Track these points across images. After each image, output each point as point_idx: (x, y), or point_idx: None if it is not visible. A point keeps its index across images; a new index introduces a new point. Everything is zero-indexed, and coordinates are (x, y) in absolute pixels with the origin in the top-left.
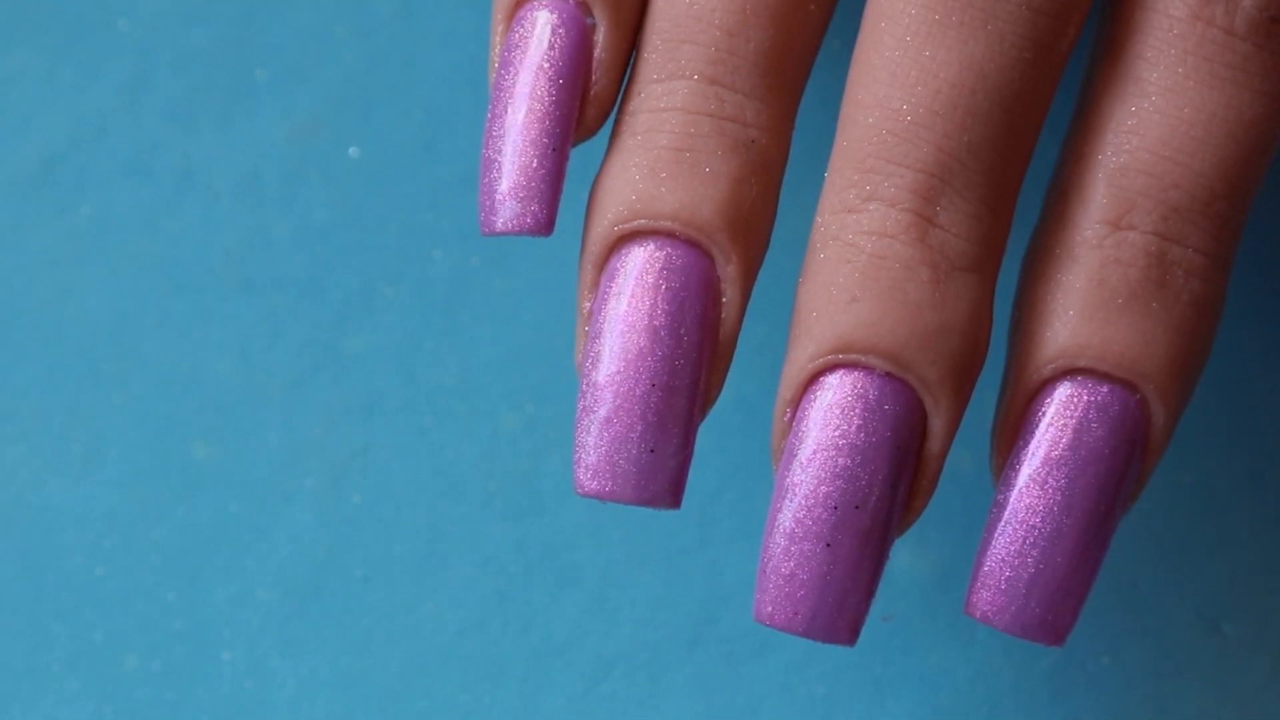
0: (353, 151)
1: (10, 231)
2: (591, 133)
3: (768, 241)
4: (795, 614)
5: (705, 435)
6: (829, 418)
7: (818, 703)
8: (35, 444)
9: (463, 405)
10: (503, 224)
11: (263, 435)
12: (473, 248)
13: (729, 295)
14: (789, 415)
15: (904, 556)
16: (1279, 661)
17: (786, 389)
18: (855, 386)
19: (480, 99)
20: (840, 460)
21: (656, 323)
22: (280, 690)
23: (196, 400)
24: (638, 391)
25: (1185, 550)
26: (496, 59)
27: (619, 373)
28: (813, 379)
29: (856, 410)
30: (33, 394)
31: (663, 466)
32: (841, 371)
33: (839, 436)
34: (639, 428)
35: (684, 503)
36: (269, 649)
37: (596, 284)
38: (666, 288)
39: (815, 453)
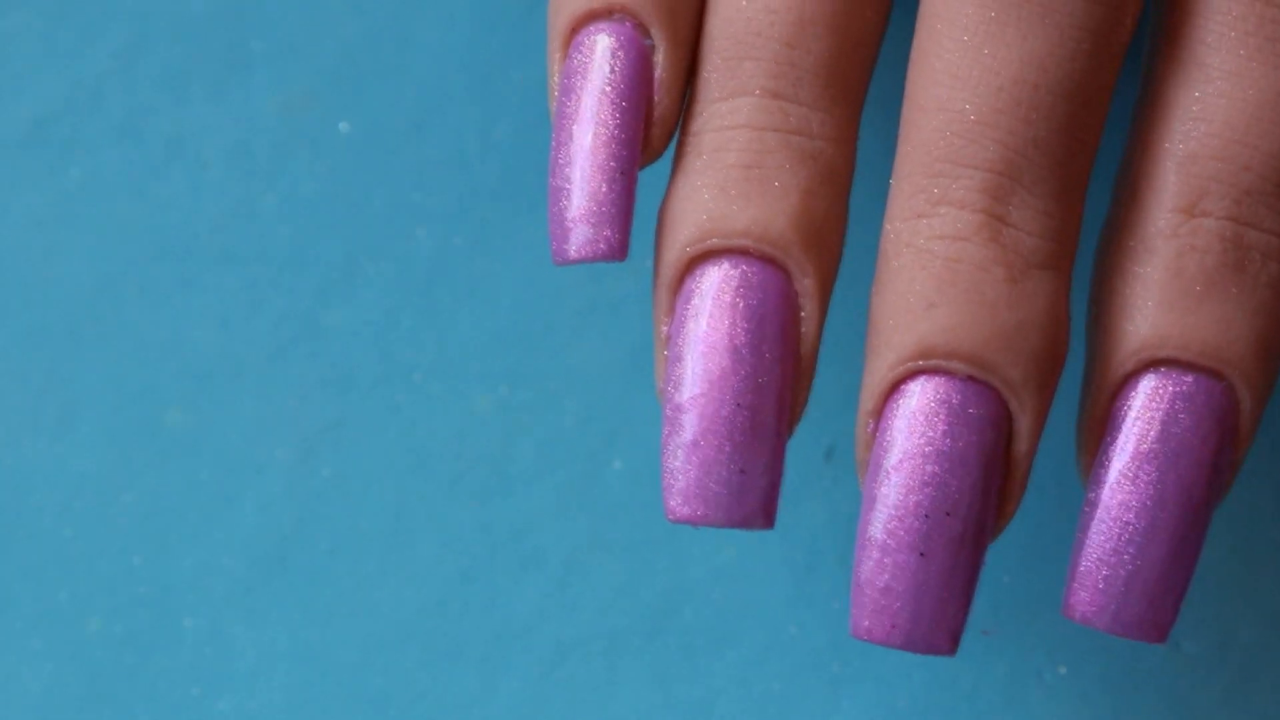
0: (343, 127)
1: None
2: (658, 155)
3: (841, 252)
4: (893, 626)
5: None
6: (914, 425)
7: (773, 699)
8: (11, 404)
9: (437, 384)
10: (576, 252)
11: (237, 404)
12: (455, 228)
13: (807, 309)
14: (872, 426)
15: None
16: (1237, 681)
17: (868, 399)
18: (939, 392)
19: (472, 80)
20: (928, 468)
21: (737, 342)
22: (240, 659)
23: (174, 367)
24: (723, 413)
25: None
26: (557, 86)
27: (703, 395)
28: (894, 388)
29: (941, 416)
30: (11, 354)
31: (753, 486)
32: (924, 378)
33: (925, 444)
34: (727, 449)
35: (651, 493)
36: (231, 618)
37: (673, 307)
38: (745, 306)
39: (902, 461)
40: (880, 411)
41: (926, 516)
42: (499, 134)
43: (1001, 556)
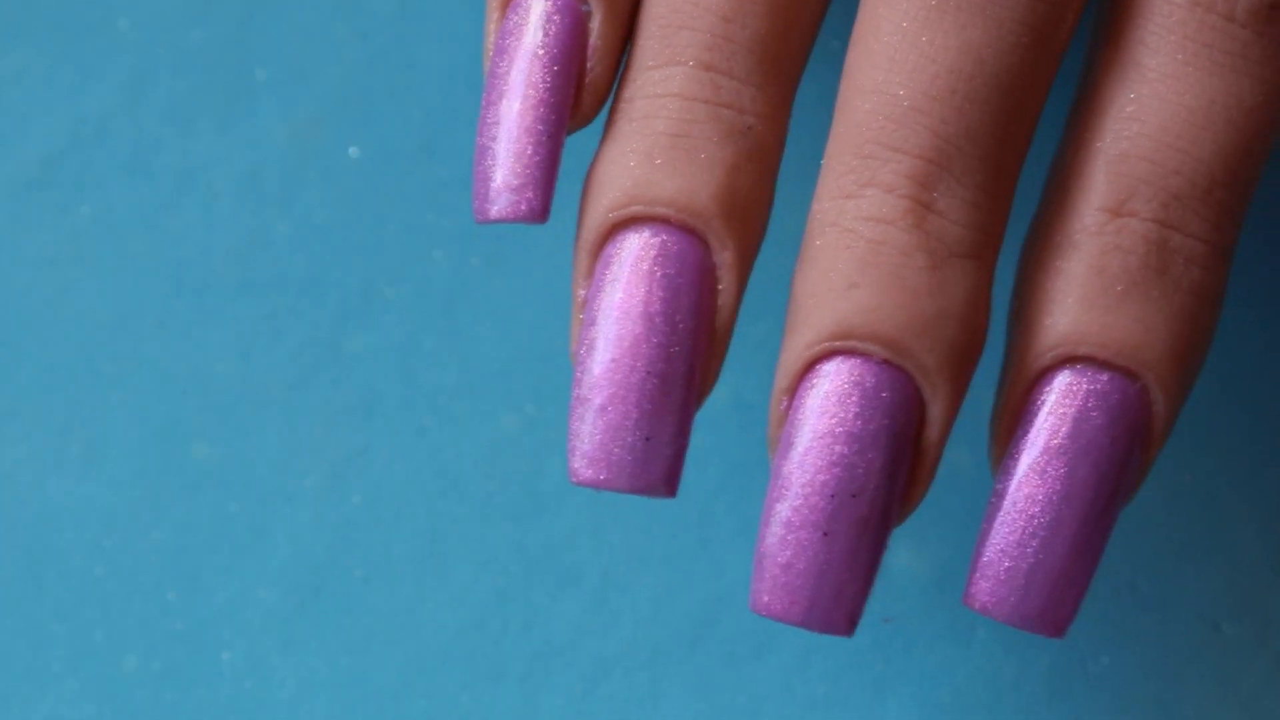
0: (353, 151)
1: (10, 231)
2: (587, 120)
3: (764, 229)
4: (792, 603)
5: (705, 434)
6: (826, 405)
7: (818, 703)
8: (35, 444)
9: (463, 405)
10: (497, 211)
11: (263, 435)
12: (473, 248)
13: (725, 282)
14: (785, 404)
15: (903, 555)
16: (1279, 662)
17: (783, 377)
18: (853, 374)
19: (479, 100)
20: (837, 448)
21: (652, 309)
22: (280, 690)
23: (196, 400)
24: (633, 379)
25: (1185, 550)
26: (491, 46)
27: (614, 360)
28: (810, 367)
29: (854, 398)
30: (33, 394)
31: (659, 455)
32: (839, 359)
33: (836, 424)
34: (634, 415)
35: (684, 502)
36: (269, 649)
37: (591, 271)
38: (662, 274)
39: (812, 441)
40: (794, 389)
41: (832, 496)
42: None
43: None
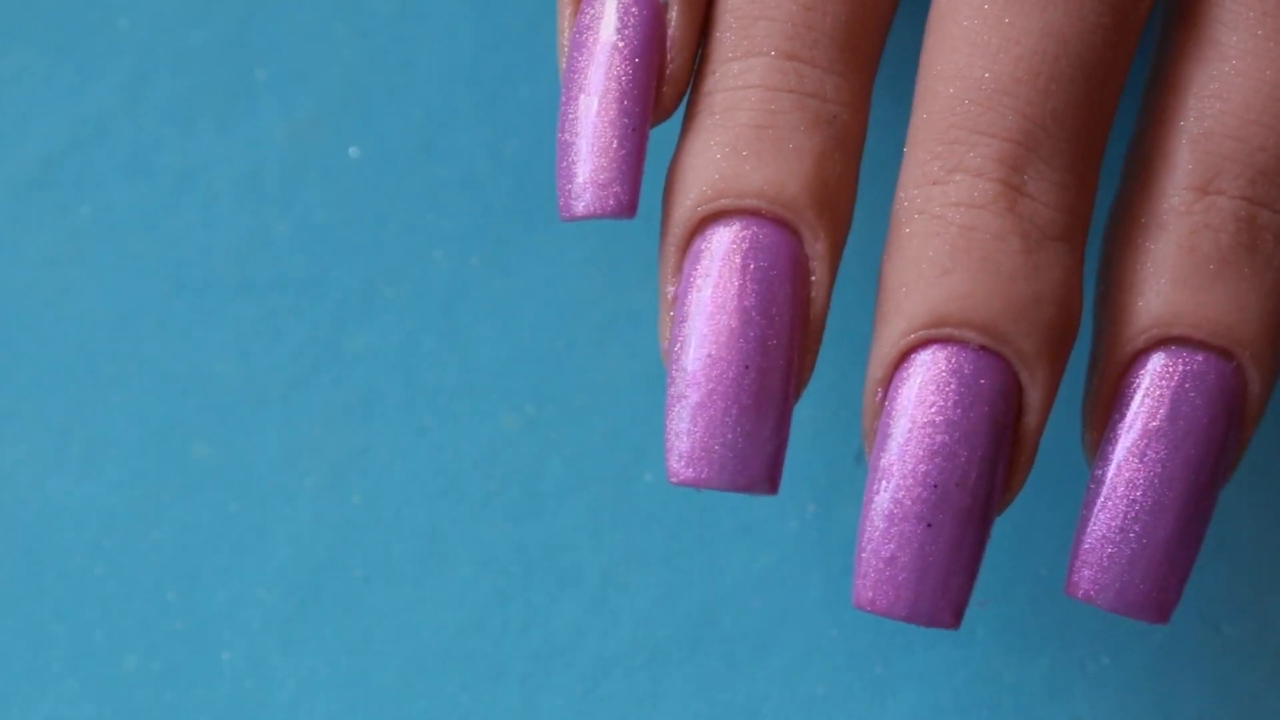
0: (353, 151)
1: (10, 231)
2: (668, 114)
3: (851, 218)
4: (897, 598)
5: None
6: (924, 394)
7: (818, 702)
8: (35, 444)
9: (463, 405)
10: (584, 207)
11: (263, 435)
12: (473, 248)
13: (818, 274)
14: (880, 395)
15: None
16: (1278, 664)
17: (877, 367)
18: (950, 362)
19: (480, 99)
20: (938, 438)
21: (747, 303)
22: (280, 690)
23: (196, 400)
24: (730, 374)
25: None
26: (567, 41)
27: (710, 356)
28: (904, 356)
29: (953, 386)
30: (33, 394)
31: (759, 450)
32: (935, 347)
33: (936, 413)
34: (734, 411)
35: (684, 503)
36: (269, 649)
37: (680, 267)
38: (755, 267)
39: (912, 431)
40: (889, 380)
41: (935, 487)
42: (509, 152)
43: (1039, 549)
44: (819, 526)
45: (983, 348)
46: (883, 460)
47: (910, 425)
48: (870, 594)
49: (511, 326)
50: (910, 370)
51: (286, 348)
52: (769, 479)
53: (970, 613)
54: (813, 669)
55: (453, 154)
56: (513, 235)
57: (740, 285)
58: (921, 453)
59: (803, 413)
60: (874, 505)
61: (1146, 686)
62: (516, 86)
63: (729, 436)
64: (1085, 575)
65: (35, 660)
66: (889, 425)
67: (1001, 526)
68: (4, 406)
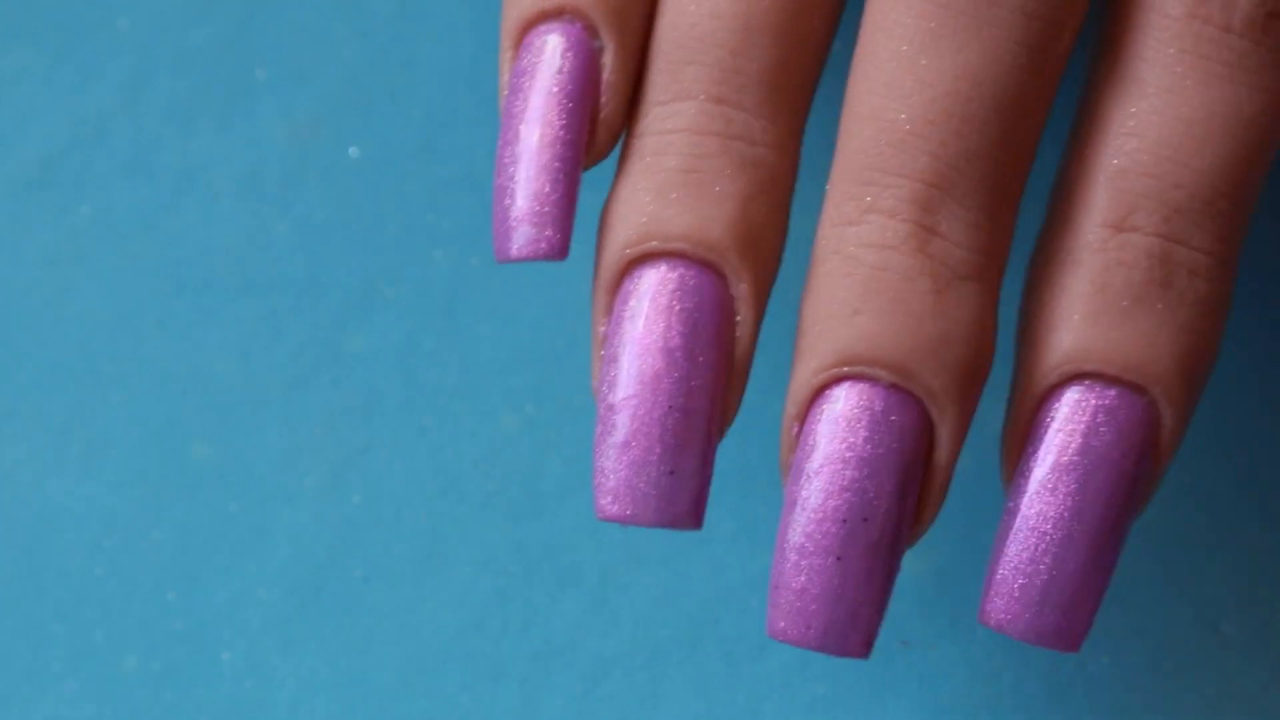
0: (353, 151)
1: (10, 231)
2: (602, 156)
3: (779, 259)
4: (808, 628)
5: None
6: (835, 430)
7: (818, 702)
8: (35, 444)
9: (463, 405)
10: (518, 250)
11: (263, 435)
12: (473, 248)
13: (742, 314)
14: (796, 430)
15: (905, 557)
16: (1279, 663)
17: (793, 404)
18: (861, 399)
19: (480, 99)
20: (848, 473)
21: (672, 344)
22: (280, 690)
23: (197, 400)
24: (655, 414)
25: (1185, 550)
26: (506, 85)
27: (635, 396)
28: (818, 393)
29: (863, 422)
30: (33, 394)
31: (683, 488)
32: (847, 384)
33: (846, 449)
34: (658, 450)
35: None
36: (269, 649)
37: (610, 308)
38: (680, 309)
39: (823, 466)
40: (804, 416)
41: (844, 521)
42: None
43: None
44: None
45: (893, 385)
46: (796, 494)
47: (822, 460)
48: (782, 624)
49: (511, 326)
50: (823, 406)
51: (286, 348)
52: (693, 515)
53: (973, 615)
54: (812, 669)
55: (453, 154)
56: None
57: (665, 326)
58: (832, 488)
59: None
60: (787, 538)
61: (1146, 687)
62: None
63: (653, 475)
64: (997, 605)
65: (35, 660)
66: (802, 460)
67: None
68: (4, 406)
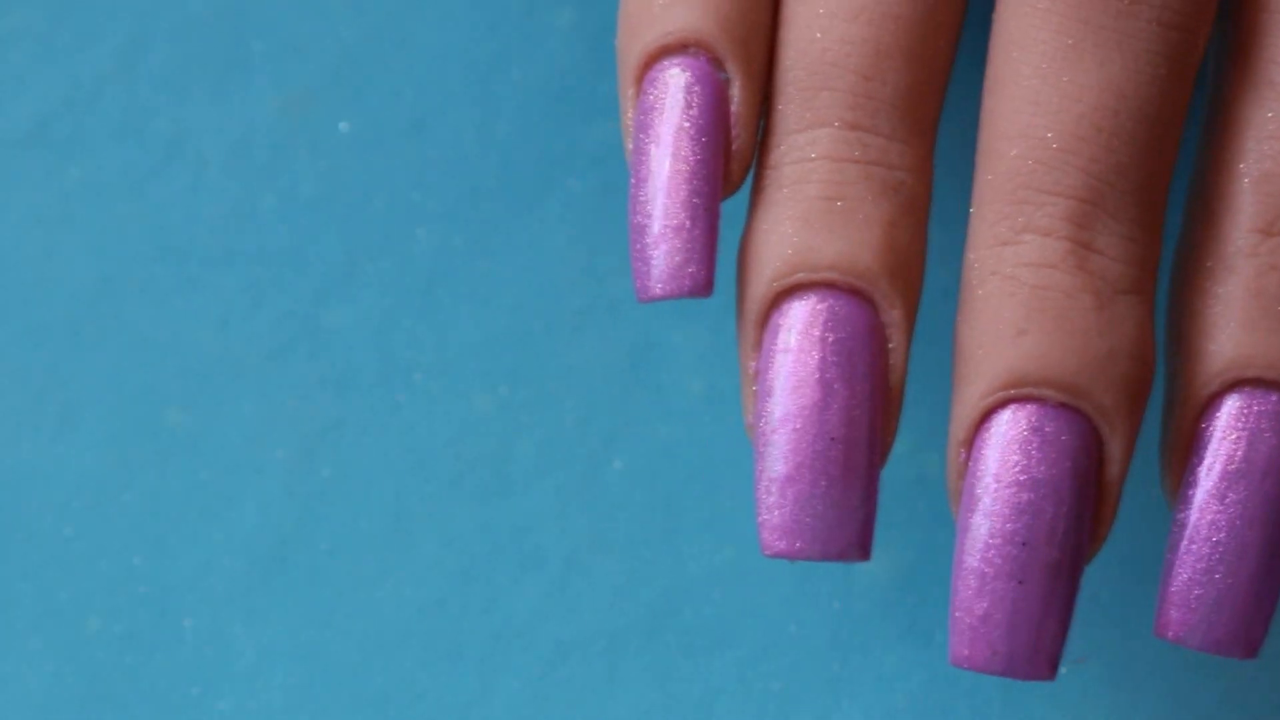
0: (343, 126)
1: None
2: (735, 188)
3: (922, 284)
4: (994, 654)
5: (675, 426)
6: (1008, 454)
7: (773, 698)
8: (11, 403)
9: (437, 384)
10: (662, 289)
11: (237, 405)
12: (455, 228)
13: (895, 341)
14: (964, 455)
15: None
16: (1237, 680)
17: (960, 428)
18: (1031, 420)
19: (472, 80)
20: (1024, 495)
21: (828, 375)
22: (239, 659)
23: (173, 367)
24: (817, 447)
25: (1147, 564)
26: (632, 123)
27: (796, 430)
28: (985, 416)
29: (1035, 444)
30: (10, 354)
31: (849, 520)
32: (1015, 406)
33: (1019, 472)
34: (822, 483)
35: (650, 493)
36: (231, 617)
37: (759, 343)
38: (834, 339)
39: (998, 490)
40: (972, 441)
41: (1023, 544)
42: (499, 133)
43: None
44: None
45: (1062, 405)
46: (971, 520)
47: (996, 485)
48: (967, 651)
49: (490, 308)
50: (992, 430)
51: (265, 319)
52: (860, 546)
53: (932, 617)
54: (769, 664)
55: (442, 133)
56: (497, 217)
57: (821, 358)
58: (1009, 511)
59: None
60: (965, 565)
61: (1103, 698)
62: (509, 69)
63: (819, 508)
64: (1174, 617)
65: None
66: (974, 485)
67: None
68: None
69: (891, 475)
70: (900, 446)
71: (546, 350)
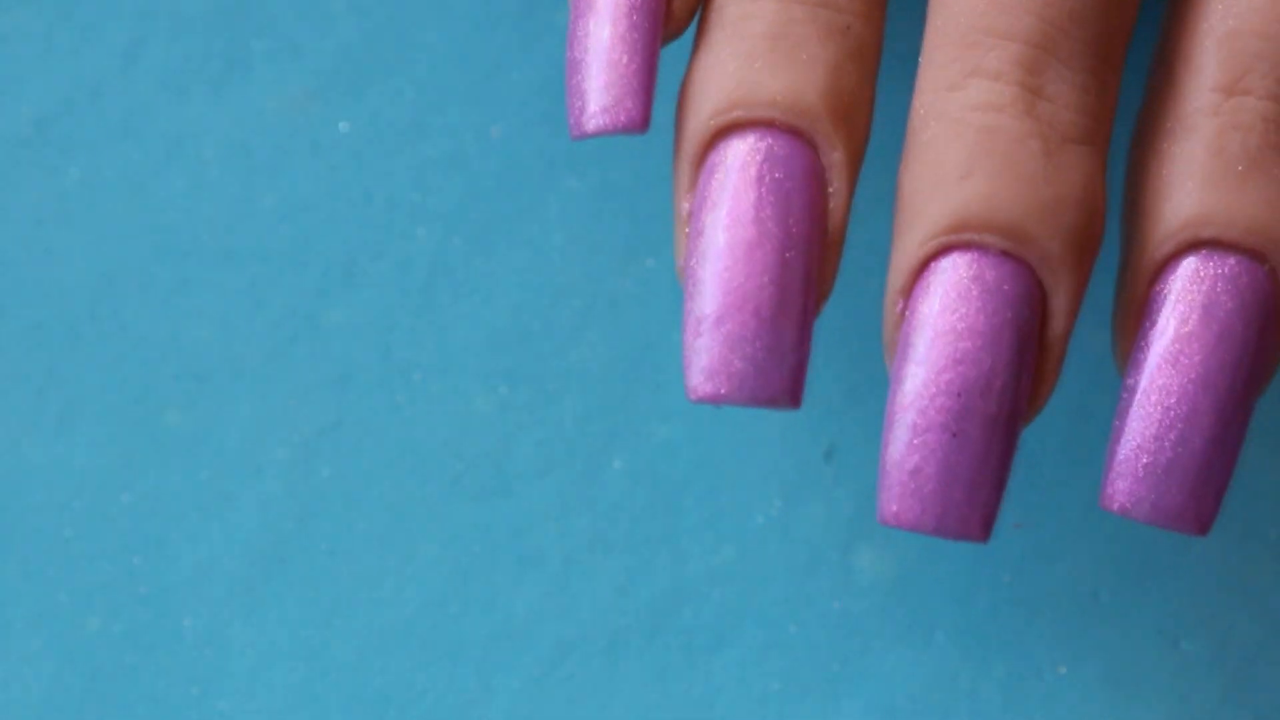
0: (343, 126)
1: None
2: (680, 30)
3: (869, 132)
4: (924, 511)
5: (673, 425)
6: (947, 302)
7: (772, 698)
8: (10, 403)
9: (437, 384)
10: (595, 125)
11: (237, 404)
12: (455, 228)
13: (835, 184)
14: (901, 306)
15: (866, 555)
16: (1236, 680)
17: (897, 277)
18: (971, 267)
19: (472, 80)
20: (962, 344)
21: (764, 215)
22: (239, 659)
23: (173, 366)
24: (749, 286)
25: (1147, 563)
26: None
27: (728, 269)
28: (925, 264)
29: (974, 292)
30: (10, 353)
31: (781, 364)
32: (955, 253)
33: (958, 320)
34: (753, 324)
35: (649, 492)
36: (231, 617)
37: (695, 182)
38: (772, 179)
39: (935, 339)
40: (910, 289)
41: (958, 395)
42: (498, 134)
43: (1002, 556)
44: (784, 522)
45: (1005, 252)
46: (905, 370)
47: (933, 333)
48: (895, 507)
49: (490, 308)
50: (931, 278)
51: (265, 319)
52: (791, 393)
53: (932, 618)
54: (769, 664)
55: (442, 134)
56: (496, 217)
57: (757, 197)
58: (944, 361)
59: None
60: (898, 418)
61: (1102, 699)
62: (508, 69)
63: (749, 350)
64: (1120, 487)
65: None
66: (910, 334)
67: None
68: None
69: None
70: None
71: (546, 349)
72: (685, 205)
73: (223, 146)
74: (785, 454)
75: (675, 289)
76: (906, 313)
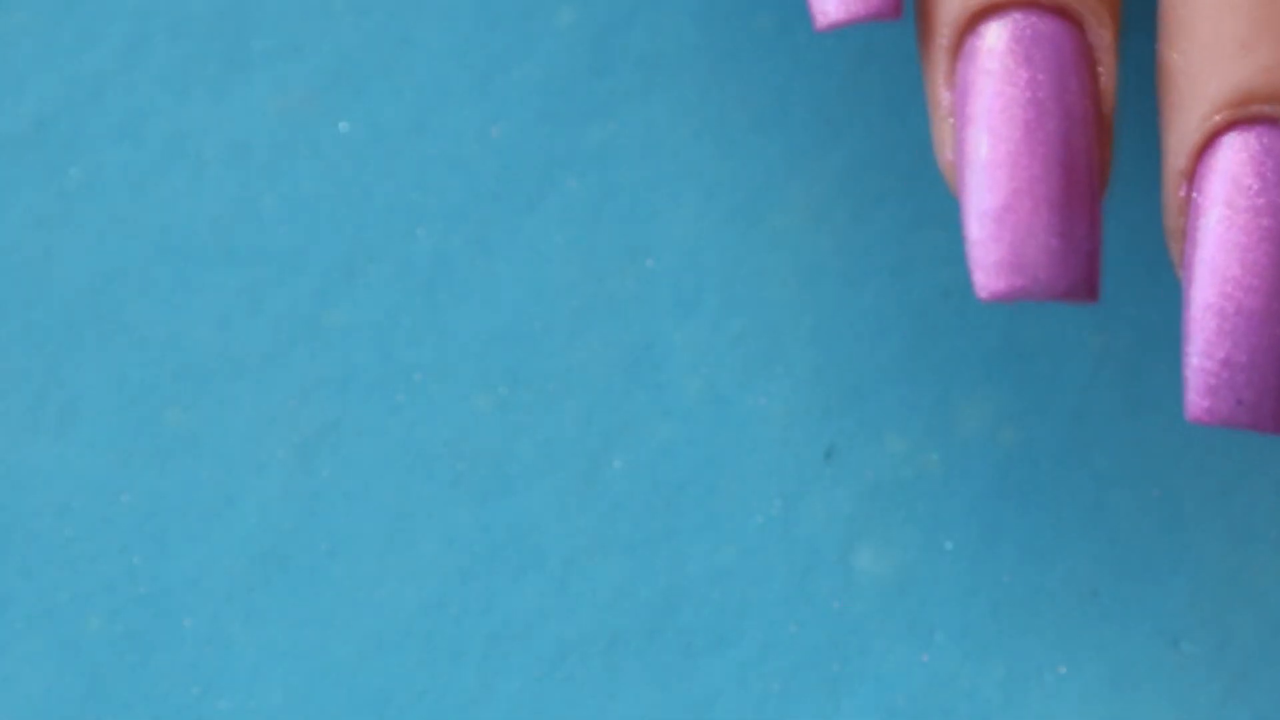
0: (343, 127)
1: None
2: None
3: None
4: (1238, 402)
5: (675, 424)
6: (1240, 180)
7: (772, 699)
8: (11, 403)
9: (437, 384)
10: (846, 10)
11: (237, 404)
12: (455, 228)
13: (1104, 65)
14: (1185, 189)
15: (865, 556)
16: (1236, 682)
17: (1178, 158)
18: (1263, 141)
19: (473, 80)
20: (1263, 222)
21: (1040, 95)
22: (240, 659)
23: (173, 366)
24: (1035, 171)
25: (1147, 563)
26: None
27: (1010, 155)
28: (1208, 142)
29: (1269, 167)
30: (10, 353)
31: (1076, 251)
32: (1240, 129)
33: (1257, 196)
34: (1044, 212)
35: (650, 492)
36: (231, 617)
37: (954, 71)
38: (1043, 58)
39: (1232, 218)
40: (1193, 171)
41: (1265, 275)
42: (499, 134)
43: (999, 558)
44: (784, 522)
45: None
46: (1203, 255)
47: (1231, 213)
48: (1207, 403)
49: (490, 308)
50: (1216, 156)
51: (265, 319)
52: (1089, 285)
53: (932, 618)
54: (769, 665)
55: (442, 134)
56: (496, 218)
57: (1030, 77)
58: (1248, 239)
59: (773, 408)
60: (1202, 304)
61: (1102, 699)
62: (509, 68)
63: (1043, 239)
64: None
65: None
66: (1199, 218)
67: (967, 531)
68: None
69: (890, 475)
70: (900, 446)
71: (546, 350)
72: (945, 95)
73: (223, 146)
74: (785, 454)
75: (675, 289)
76: (1194, 193)
